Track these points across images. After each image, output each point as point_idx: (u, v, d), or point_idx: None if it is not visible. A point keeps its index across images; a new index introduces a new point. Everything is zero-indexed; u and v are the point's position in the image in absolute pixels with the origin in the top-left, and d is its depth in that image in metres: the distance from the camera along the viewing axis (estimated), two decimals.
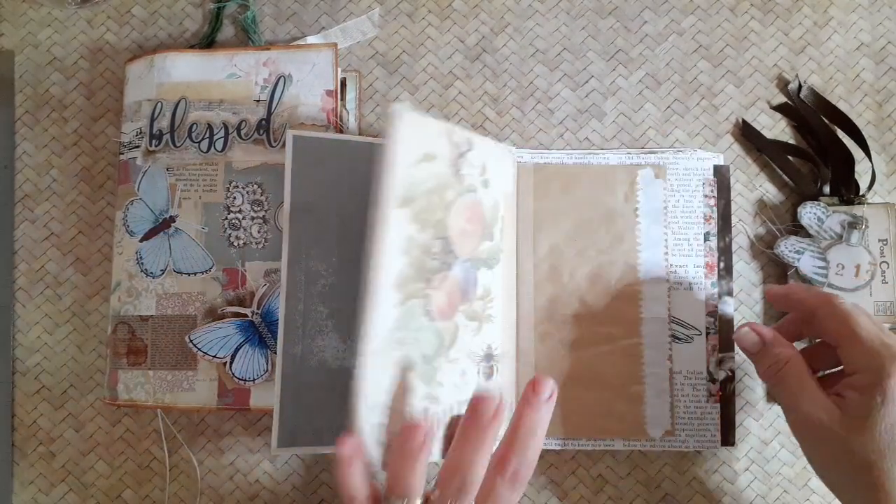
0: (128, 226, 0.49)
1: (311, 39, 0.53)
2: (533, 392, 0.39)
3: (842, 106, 0.52)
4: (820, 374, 0.42)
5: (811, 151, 0.52)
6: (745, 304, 0.51)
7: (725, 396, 0.49)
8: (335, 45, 0.50)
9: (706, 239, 0.50)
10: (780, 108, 0.53)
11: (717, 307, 0.49)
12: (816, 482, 0.50)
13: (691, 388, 0.48)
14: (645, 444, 0.48)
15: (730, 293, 0.50)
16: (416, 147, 0.41)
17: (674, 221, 0.50)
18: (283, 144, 0.48)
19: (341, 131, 0.50)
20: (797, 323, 0.45)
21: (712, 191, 0.50)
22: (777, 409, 0.50)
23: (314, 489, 0.50)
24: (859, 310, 0.41)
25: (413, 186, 0.40)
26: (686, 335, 0.49)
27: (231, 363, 0.47)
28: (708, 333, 0.49)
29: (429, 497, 0.37)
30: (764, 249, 0.51)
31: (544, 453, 0.50)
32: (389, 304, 0.39)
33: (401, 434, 0.37)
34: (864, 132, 0.51)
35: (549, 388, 0.39)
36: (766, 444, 0.50)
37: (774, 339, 0.43)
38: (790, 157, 0.52)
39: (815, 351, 0.44)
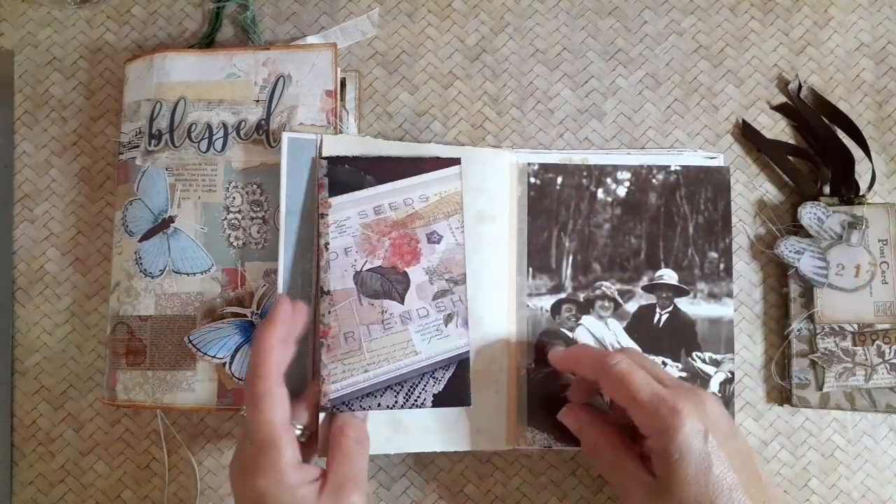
0: (127, 226, 0.49)
1: (310, 39, 0.52)
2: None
3: (842, 106, 0.52)
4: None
5: (811, 151, 0.52)
6: (745, 304, 0.51)
7: (725, 398, 0.49)
8: (335, 45, 0.50)
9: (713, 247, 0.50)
10: (780, 108, 0.53)
11: None
12: (816, 482, 0.50)
13: None
14: None
15: (730, 294, 0.50)
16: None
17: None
18: None
19: (341, 132, 0.50)
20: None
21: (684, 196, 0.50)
22: (777, 409, 0.50)
23: None
24: (633, 367, 0.41)
25: None
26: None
27: (230, 363, 0.47)
28: None
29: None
30: (764, 249, 0.51)
31: (544, 453, 0.50)
32: None
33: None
34: (864, 132, 0.51)
35: None
36: (766, 445, 0.50)
37: (585, 420, 0.44)
38: (790, 157, 0.52)
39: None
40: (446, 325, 0.46)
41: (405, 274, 0.47)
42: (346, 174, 0.47)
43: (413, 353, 0.46)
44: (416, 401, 0.46)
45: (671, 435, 0.38)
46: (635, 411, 0.40)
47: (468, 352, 0.46)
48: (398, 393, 0.46)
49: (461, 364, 0.46)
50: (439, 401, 0.46)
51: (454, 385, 0.46)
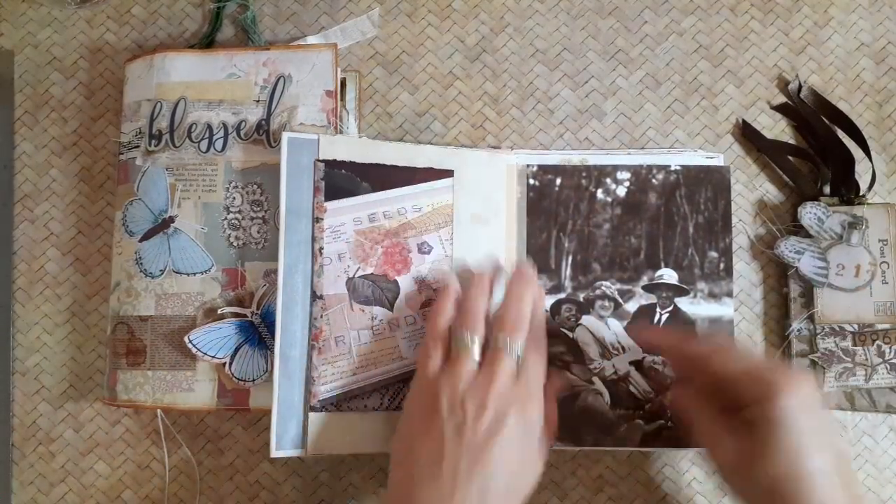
0: (127, 226, 0.49)
1: (310, 39, 0.52)
2: (519, 272, 0.45)
3: (842, 106, 0.52)
4: None
5: (811, 151, 0.52)
6: (745, 304, 0.51)
7: None
8: (335, 45, 0.50)
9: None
10: (780, 108, 0.53)
11: None
12: None
13: None
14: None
15: (730, 294, 0.50)
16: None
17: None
18: None
19: (341, 132, 0.50)
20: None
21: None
22: None
23: (314, 489, 0.50)
24: (728, 344, 0.44)
25: None
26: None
27: (230, 363, 0.47)
28: None
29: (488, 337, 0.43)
30: (764, 250, 0.51)
31: None
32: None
33: (471, 282, 0.44)
34: (864, 132, 0.51)
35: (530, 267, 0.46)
36: None
37: (675, 395, 0.46)
38: (790, 157, 0.52)
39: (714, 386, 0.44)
40: None
41: (395, 282, 0.48)
42: (342, 179, 0.47)
43: (399, 359, 0.47)
44: (400, 403, 0.47)
45: (768, 405, 0.38)
46: (734, 382, 0.40)
47: None
48: (384, 395, 0.47)
49: None
50: None
51: None
